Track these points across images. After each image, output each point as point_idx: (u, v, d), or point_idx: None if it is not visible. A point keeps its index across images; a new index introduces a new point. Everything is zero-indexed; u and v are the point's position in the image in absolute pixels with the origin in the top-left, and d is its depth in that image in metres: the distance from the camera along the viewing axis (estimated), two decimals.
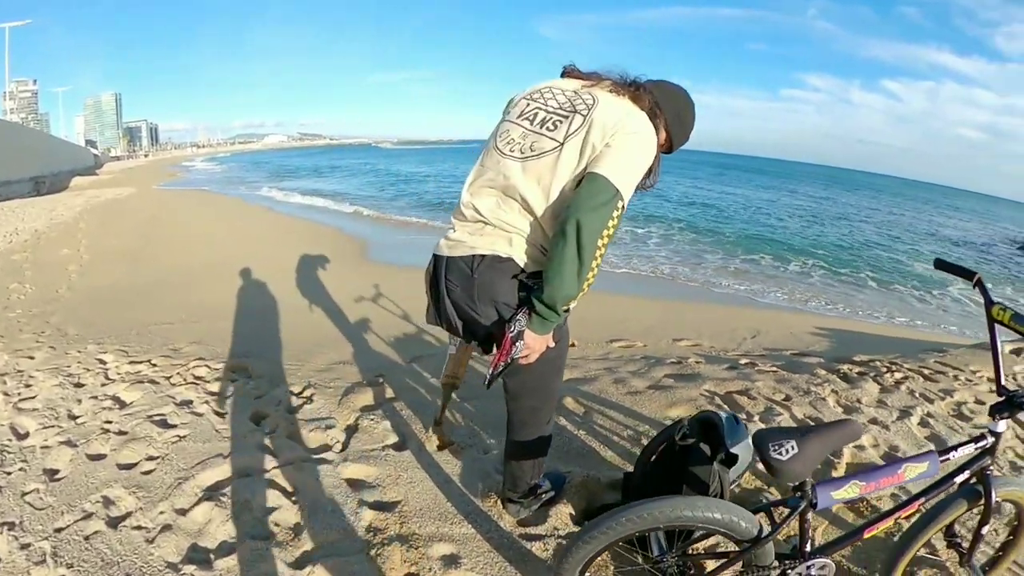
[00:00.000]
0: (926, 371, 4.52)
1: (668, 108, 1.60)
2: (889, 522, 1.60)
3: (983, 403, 3.87)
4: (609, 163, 1.40)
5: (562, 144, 1.44)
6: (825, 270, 11.82)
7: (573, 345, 4.43)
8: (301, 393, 3.19)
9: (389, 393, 3.23)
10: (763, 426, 3.02)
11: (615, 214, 1.41)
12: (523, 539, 2.05)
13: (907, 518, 1.63)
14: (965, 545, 1.78)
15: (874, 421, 3.32)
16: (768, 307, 8.06)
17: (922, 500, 1.60)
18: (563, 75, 1.65)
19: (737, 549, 1.46)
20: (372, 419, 2.87)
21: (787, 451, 1.28)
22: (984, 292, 1.60)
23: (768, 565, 1.42)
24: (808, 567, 1.46)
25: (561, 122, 1.47)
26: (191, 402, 3.01)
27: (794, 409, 3.31)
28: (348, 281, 6.14)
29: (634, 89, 1.57)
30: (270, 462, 2.44)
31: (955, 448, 1.54)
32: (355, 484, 2.31)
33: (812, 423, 3.14)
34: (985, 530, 1.73)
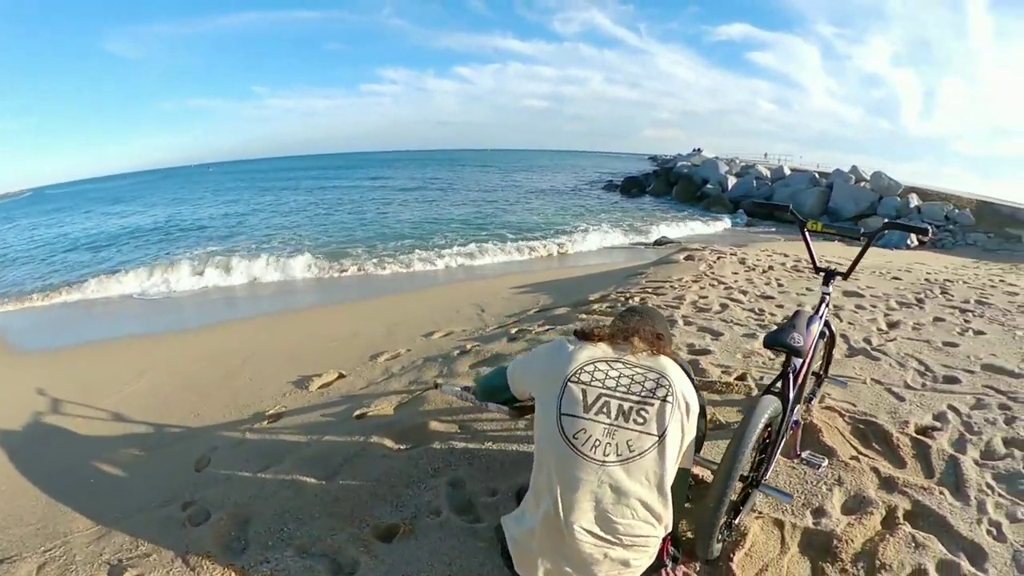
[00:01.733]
0: (650, 289, 6.09)
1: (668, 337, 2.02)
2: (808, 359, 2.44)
3: (707, 297, 5.55)
4: (691, 454, 1.74)
5: (661, 438, 1.57)
6: (475, 240, 14.08)
7: (341, 376, 4.34)
8: None
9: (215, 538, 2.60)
10: None
11: None
12: None
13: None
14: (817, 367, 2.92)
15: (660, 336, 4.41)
16: (457, 282, 9.27)
17: (813, 342, 2.46)
18: (586, 337, 1.81)
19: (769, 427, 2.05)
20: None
21: (799, 339, 2.08)
22: (796, 216, 2.72)
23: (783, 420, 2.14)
24: (796, 409, 2.35)
25: (646, 409, 1.60)
26: None
27: None
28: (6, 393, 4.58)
29: (664, 343, 1.86)
30: None
31: (819, 308, 2.50)
32: None
33: None
34: (834, 351, 2.84)
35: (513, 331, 4.94)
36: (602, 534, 1.54)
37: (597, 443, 1.55)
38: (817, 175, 22.07)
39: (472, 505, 2.49)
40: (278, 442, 3.31)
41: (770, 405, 1.97)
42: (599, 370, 1.66)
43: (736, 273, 7.02)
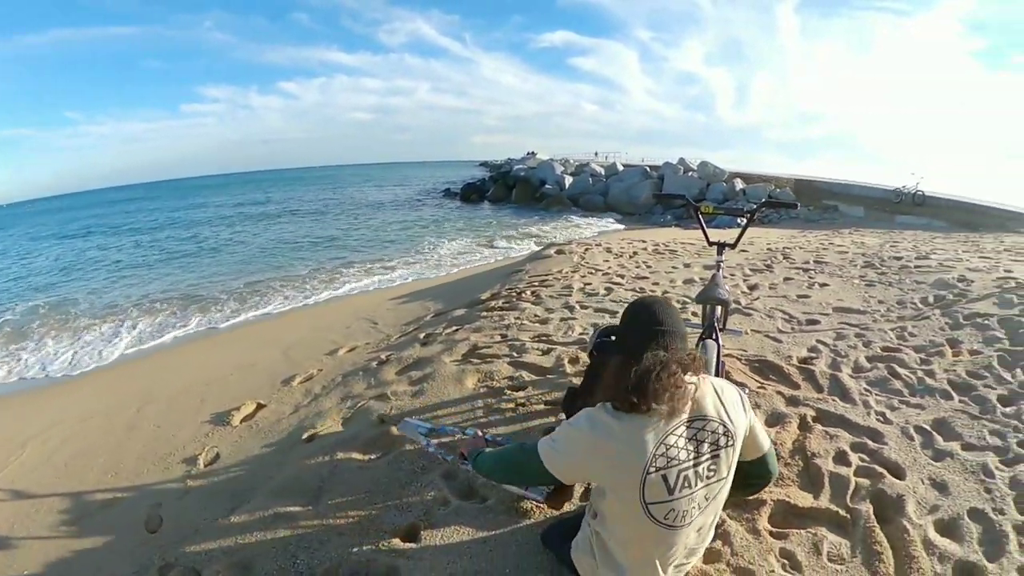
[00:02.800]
0: (536, 283, 6.65)
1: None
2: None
3: (591, 283, 6.24)
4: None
5: (727, 477, 1.68)
6: (332, 258, 14.09)
7: (261, 406, 4.33)
8: None
9: None
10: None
11: None
12: None
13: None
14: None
15: (566, 318, 4.92)
16: (332, 302, 9.28)
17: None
18: (635, 408, 1.60)
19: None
20: None
21: (724, 292, 2.84)
22: (689, 203, 3.39)
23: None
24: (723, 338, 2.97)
25: (717, 462, 1.65)
26: None
27: (522, 336, 4.56)
28: None
29: (699, 365, 1.70)
30: None
31: (718, 274, 3.13)
32: None
33: (544, 339, 4.44)
34: (730, 309, 3.55)
35: (422, 336, 5.19)
36: (685, 560, 1.77)
37: (685, 513, 1.63)
38: (648, 168, 24.39)
39: (474, 490, 2.66)
40: (231, 481, 3.24)
41: (713, 347, 2.55)
42: (671, 447, 1.60)
43: (607, 261, 7.84)
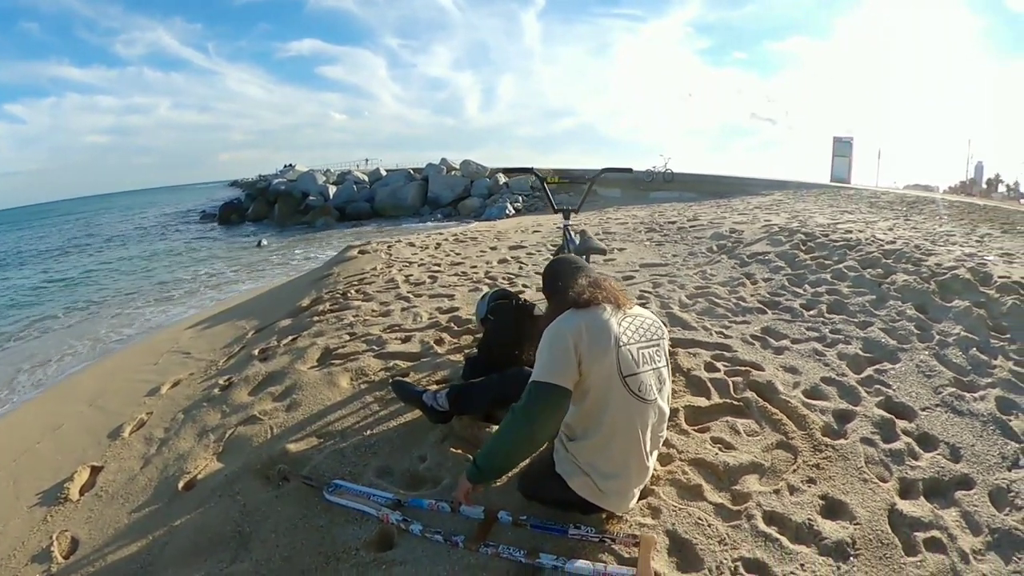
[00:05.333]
0: (355, 281, 6.64)
1: None
2: None
3: (412, 275, 6.45)
4: None
5: (667, 366, 2.12)
6: (105, 298, 12.39)
7: (98, 469, 3.78)
8: None
9: None
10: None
11: None
12: None
13: None
14: None
15: (407, 308, 5.06)
16: (120, 345, 8.26)
17: None
18: (588, 304, 2.05)
19: None
20: None
21: (602, 245, 3.28)
22: (537, 175, 3.83)
23: None
24: None
25: (658, 349, 2.09)
26: None
27: (372, 330, 4.62)
28: None
29: None
30: None
31: (566, 236, 3.53)
32: None
33: (397, 329, 4.55)
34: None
35: (256, 353, 4.85)
36: (651, 448, 2.07)
37: (649, 387, 1.98)
38: (412, 171, 24.88)
39: (418, 477, 2.54)
40: (116, 563, 2.57)
41: None
42: (628, 329, 2.02)
43: (416, 254, 7.99)
